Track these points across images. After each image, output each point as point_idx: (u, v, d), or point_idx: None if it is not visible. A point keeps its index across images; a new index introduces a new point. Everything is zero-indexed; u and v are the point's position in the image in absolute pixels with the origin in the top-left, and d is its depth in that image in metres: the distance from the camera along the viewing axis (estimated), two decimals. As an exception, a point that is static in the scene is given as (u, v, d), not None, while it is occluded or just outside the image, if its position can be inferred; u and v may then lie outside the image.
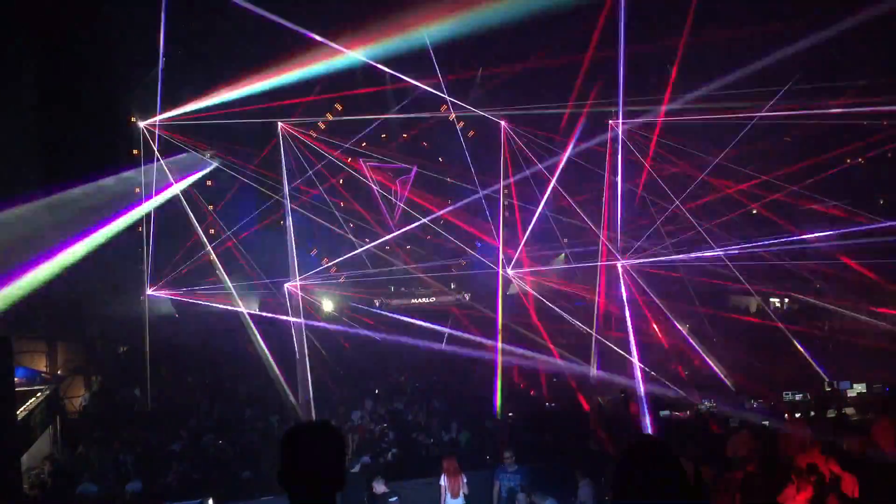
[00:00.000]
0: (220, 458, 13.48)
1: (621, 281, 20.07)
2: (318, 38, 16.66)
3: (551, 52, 20.72)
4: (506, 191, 22.63)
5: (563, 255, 27.56)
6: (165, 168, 19.65)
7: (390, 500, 9.91)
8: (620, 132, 19.57)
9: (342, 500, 10.39)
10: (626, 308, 19.26)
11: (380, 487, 9.92)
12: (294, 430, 2.76)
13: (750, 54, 16.56)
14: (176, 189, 20.12)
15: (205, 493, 10.30)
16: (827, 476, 8.84)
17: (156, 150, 18.97)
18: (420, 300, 28.27)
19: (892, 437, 10.41)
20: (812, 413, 13.94)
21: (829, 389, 15.76)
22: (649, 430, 13.67)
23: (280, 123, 22.39)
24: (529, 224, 23.24)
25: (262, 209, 25.77)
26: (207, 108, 21.93)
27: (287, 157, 24.11)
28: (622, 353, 18.34)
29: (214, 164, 22.77)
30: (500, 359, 17.92)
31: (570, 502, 9.81)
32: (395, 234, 24.95)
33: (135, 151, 20.62)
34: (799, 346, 18.34)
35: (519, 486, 10.03)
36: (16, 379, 12.47)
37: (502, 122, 23.26)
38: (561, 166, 21.42)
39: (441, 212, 23.95)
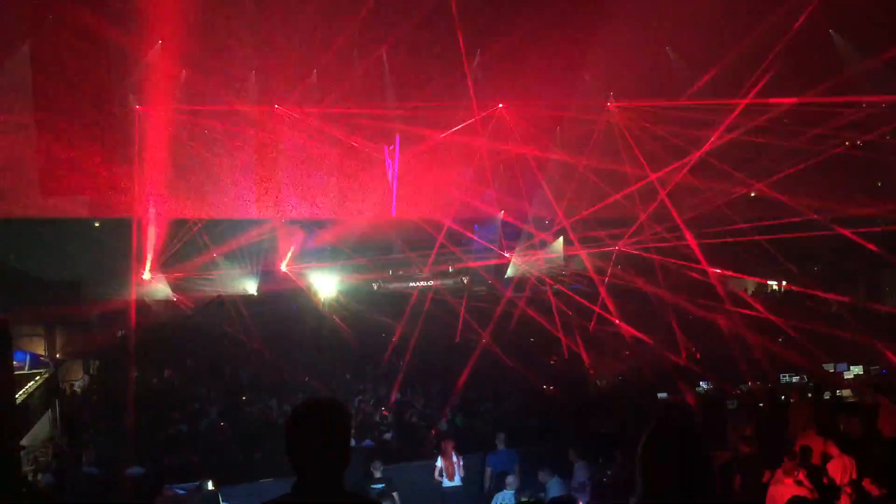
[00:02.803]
0: (220, 440, 13.51)
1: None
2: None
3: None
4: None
5: (561, 238, 27.53)
6: None
7: (374, 486, 9.95)
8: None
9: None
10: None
11: (377, 472, 9.96)
12: (300, 408, 2.75)
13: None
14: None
15: (204, 476, 10.31)
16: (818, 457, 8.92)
17: None
18: (418, 283, 28.22)
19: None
20: (809, 395, 13.96)
21: (827, 371, 15.79)
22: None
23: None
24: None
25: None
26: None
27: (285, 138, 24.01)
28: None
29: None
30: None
31: (566, 483, 9.81)
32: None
33: None
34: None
35: (513, 467, 10.04)
36: (14, 362, 12.47)
37: (500, 105, 23.18)
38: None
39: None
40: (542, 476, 9.45)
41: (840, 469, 8.51)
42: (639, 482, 2.52)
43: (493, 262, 27.68)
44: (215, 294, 23.23)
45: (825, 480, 8.41)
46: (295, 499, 2.65)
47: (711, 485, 2.47)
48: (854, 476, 8.38)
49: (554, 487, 9.31)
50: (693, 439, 2.49)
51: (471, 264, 27.63)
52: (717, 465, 9.73)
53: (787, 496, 7.54)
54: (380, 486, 10.02)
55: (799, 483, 7.71)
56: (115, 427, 14.21)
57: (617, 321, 20.53)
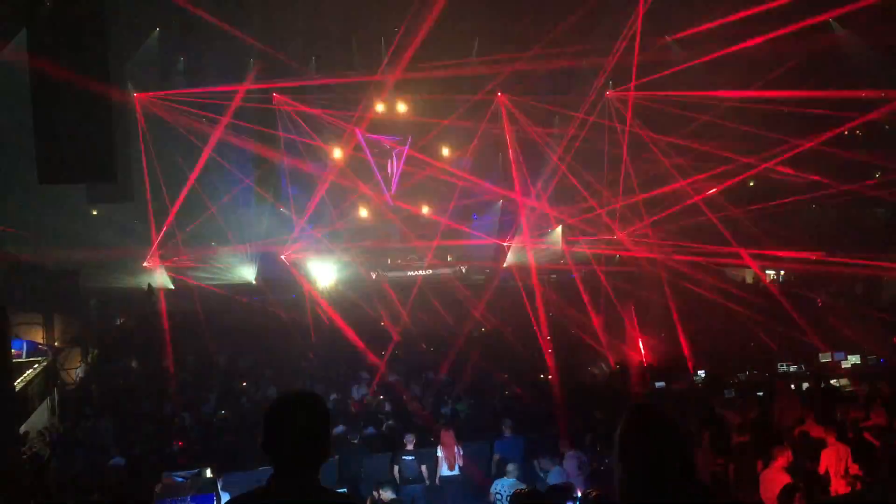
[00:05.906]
0: (220, 428, 13.52)
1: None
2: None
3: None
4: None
5: (559, 228, 27.56)
6: None
7: (405, 458, 10.30)
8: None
9: (339, 470, 10.46)
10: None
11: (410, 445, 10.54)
12: (276, 401, 2.76)
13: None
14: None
15: (203, 464, 10.32)
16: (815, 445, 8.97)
17: None
18: (416, 272, 28.26)
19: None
20: (806, 384, 14.00)
21: (825, 361, 15.80)
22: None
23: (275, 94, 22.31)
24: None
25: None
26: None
27: (283, 127, 24.00)
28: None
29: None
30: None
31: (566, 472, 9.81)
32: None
33: None
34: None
35: (518, 455, 10.10)
36: (12, 350, 12.48)
37: (499, 94, 23.15)
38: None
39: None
40: (543, 464, 9.47)
41: (834, 456, 8.57)
42: (616, 467, 2.60)
43: (492, 241, 27.77)
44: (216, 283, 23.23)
45: (809, 465, 8.45)
46: (268, 494, 2.66)
47: (688, 470, 2.52)
48: (849, 464, 8.44)
49: (555, 476, 9.34)
50: (667, 425, 2.56)
51: (470, 242, 27.72)
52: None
53: (777, 481, 7.60)
54: (410, 457, 10.26)
55: (787, 469, 7.77)
56: (115, 415, 14.22)
57: (617, 309, 20.55)
